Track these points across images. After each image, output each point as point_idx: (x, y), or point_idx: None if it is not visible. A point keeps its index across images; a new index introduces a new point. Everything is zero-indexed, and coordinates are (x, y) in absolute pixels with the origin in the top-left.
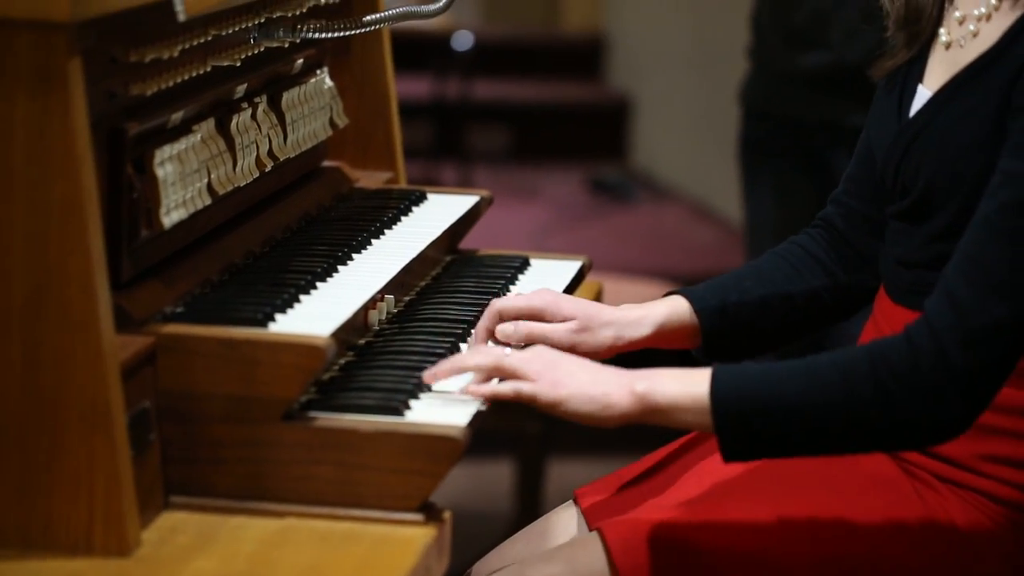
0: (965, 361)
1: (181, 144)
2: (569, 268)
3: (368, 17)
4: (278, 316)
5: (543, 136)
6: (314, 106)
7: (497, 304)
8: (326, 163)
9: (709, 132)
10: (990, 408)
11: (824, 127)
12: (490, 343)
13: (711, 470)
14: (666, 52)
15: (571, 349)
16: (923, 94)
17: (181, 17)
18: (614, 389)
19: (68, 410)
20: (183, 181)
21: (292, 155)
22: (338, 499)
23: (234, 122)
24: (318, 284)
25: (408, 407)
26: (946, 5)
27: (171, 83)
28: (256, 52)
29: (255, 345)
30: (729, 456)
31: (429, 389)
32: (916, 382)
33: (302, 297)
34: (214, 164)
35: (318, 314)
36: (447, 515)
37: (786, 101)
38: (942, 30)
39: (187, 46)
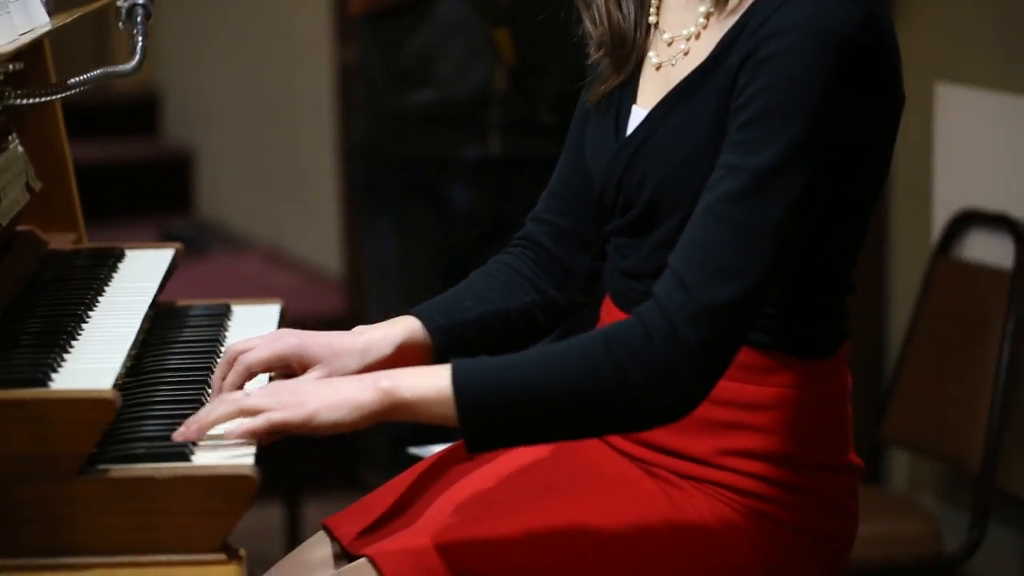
0: (695, 337)
1: None
2: (271, 312)
3: (73, 80)
4: (52, 375)
5: (109, 194)
6: (14, 172)
7: (244, 359)
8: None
9: (274, 178)
10: (725, 404)
11: (438, 162)
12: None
13: (466, 487)
14: (222, 102)
15: None
16: (638, 113)
17: None
18: (358, 391)
19: None
20: None
21: (5, 223)
22: (141, 546)
23: None
24: (72, 343)
25: (193, 452)
26: (652, 29)
27: None
28: None
29: (45, 404)
30: (473, 446)
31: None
32: (651, 359)
33: (64, 356)
34: None
35: (88, 370)
36: (243, 552)
37: (398, 140)
38: (651, 52)
39: None
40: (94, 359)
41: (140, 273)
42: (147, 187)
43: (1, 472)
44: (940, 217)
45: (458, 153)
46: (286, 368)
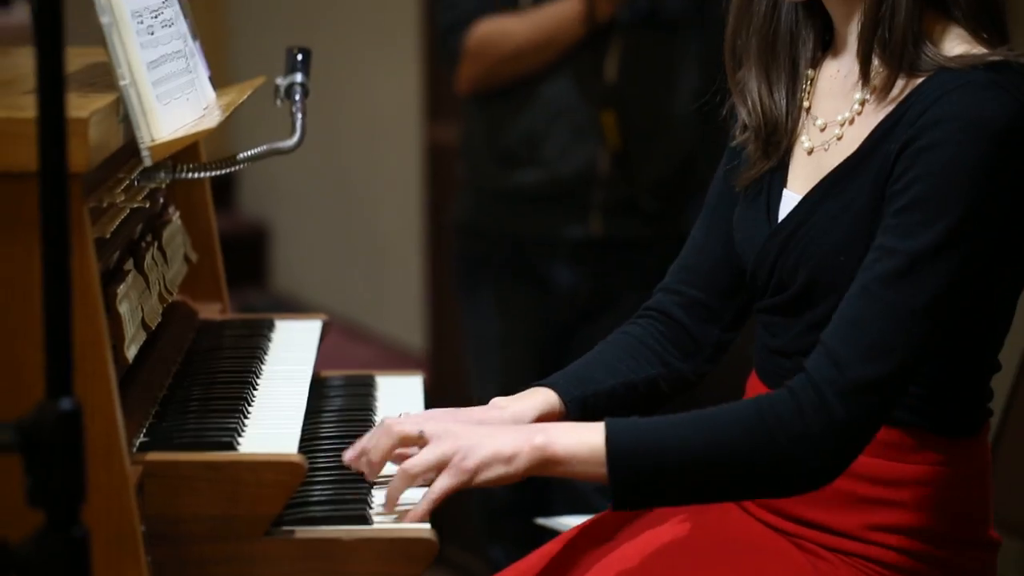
0: (844, 411)
1: (128, 282)
2: (414, 383)
3: (241, 155)
4: (239, 439)
5: None
6: (177, 243)
7: (396, 428)
8: None
9: (352, 253)
10: (871, 480)
11: (539, 241)
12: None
13: (613, 565)
14: (300, 177)
15: None
16: (790, 198)
17: (148, 162)
18: (514, 444)
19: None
20: (132, 317)
21: (174, 293)
22: None
23: (145, 261)
24: (249, 409)
25: (372, 516)
26: (804, 114)
27: (114, 226)
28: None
29: (238, 466)
30: (619, 504)
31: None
32: (801, 430)
33: (245, 421)
34: (143, 300)
35: (270, 435)
36: None
37: (501, 218)
38: (804, 137)
39: (124, 190)
40: (272, 425)
41: (294, 343)
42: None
43: (192, 531)
44: None
45: (559, 233)
46: None
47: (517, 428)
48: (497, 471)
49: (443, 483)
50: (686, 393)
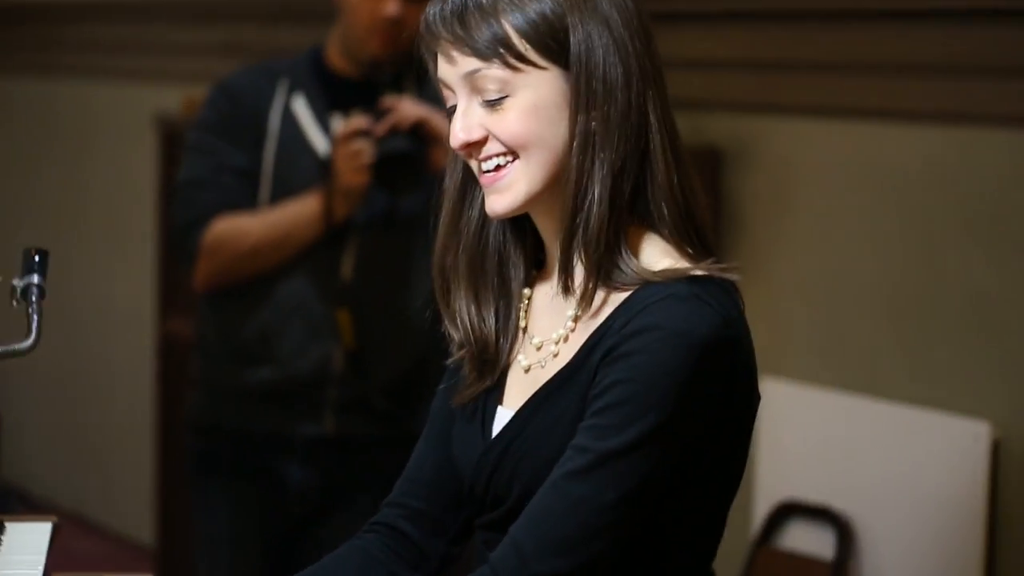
0: None
1: None
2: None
3: None
4: None
5: None
6: None
7: None
8: None
9: (82, 444)
10: None
11: (272, 439)
12: None
13: None
14: (32, 364)
15: None
16: (504, 414)
17: None
18: None
19: None
20: None
21: None
22: None
23: None
24: None
25: None
26: (521, 334)
27: None
28: None
29: None
30: None
31: None
32: None
33: None
34: None
35: None
36: None
37: (235, 414)
38: (520, 356)
39: None
40: None
41: (24, 545)
42: None
43: None
44: (762, 507)
45: (293, 430)
46: None
47: None
48: None
49: None
50: None
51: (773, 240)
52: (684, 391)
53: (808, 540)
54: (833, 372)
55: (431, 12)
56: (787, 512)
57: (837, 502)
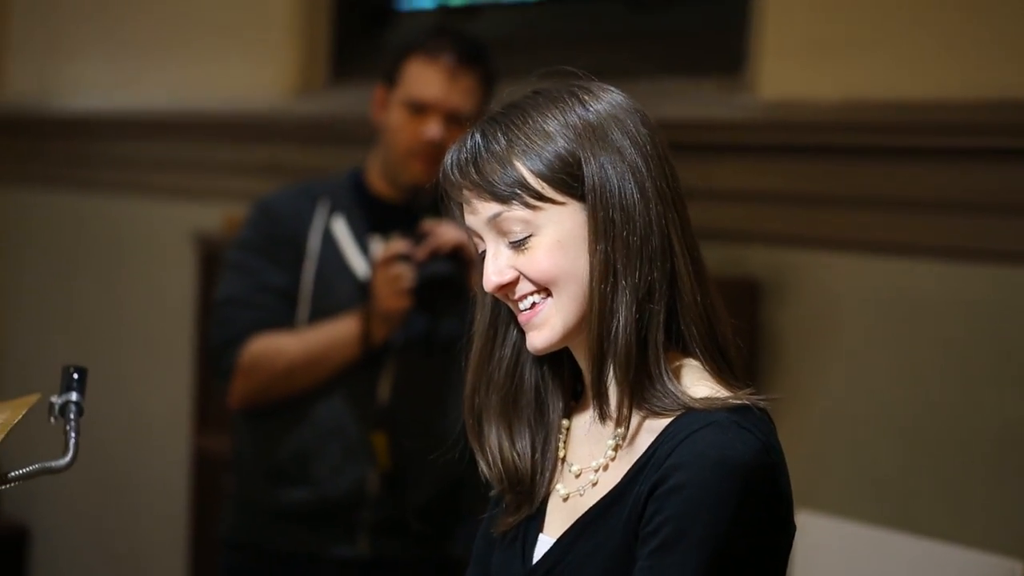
0: None
1: None
2: None
3: (12, 474)
4: None
5: None
6: None
7: None
8: None
9: (116, 561)
10: None
11: (307, 559)
12: None
13: None
14: (66, 482)
15: None
16: (545, 541)
17: None
18: None
19: None
20: None
21: None
22: None
23: None
24: None
25: None
26: (560, 464)
27: None
28: None
29: None
30: None
31: None
32: None
33: None
34: None
35: None
36: None
37: (269, 534)
38: (560, 485)
39: None
40: None
41: None
42: None
43: None
44: None
45: (327, 552)
46: None
47: None
48: None
49: None
50: None
51: (810, 373)
52: (734, 519)
53: None
54: (868, 505)
55: (448, 161)
56: None
57: None
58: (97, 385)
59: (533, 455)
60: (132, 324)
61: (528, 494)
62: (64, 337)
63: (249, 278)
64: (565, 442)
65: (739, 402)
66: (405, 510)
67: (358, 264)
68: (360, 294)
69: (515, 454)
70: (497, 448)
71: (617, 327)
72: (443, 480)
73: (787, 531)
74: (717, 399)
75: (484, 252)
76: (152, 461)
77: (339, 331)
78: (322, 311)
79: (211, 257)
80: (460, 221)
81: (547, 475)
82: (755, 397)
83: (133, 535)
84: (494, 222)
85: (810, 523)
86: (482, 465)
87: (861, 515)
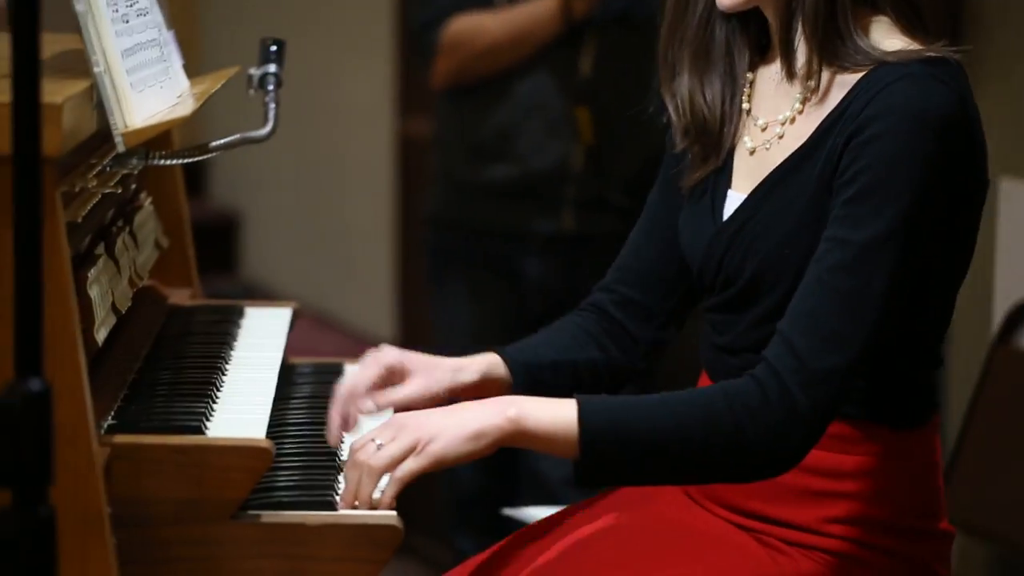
0: (807, 400)
1: (99, 266)
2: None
3: (214, 143)
4: (207, 423)
5: None
6: (148, 229)
7: (353, 380)
8: None
9: (322, 242)
10: (820, 473)
11: (511, 235)
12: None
13: (575, 552)
14: (272, 166)
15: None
16: (735, 197)
17: (121, 148)
18: (486, 419)
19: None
20: (103, 301)
21: (145, 278)
22: None
23: (116, 246)
24: (218, 395)
25: (337, 502)
26: (744, 116)
27: (86, 210)
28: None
29: (205, 450)
30: (583, 479)
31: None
32: (766, 418)
33: (214, 406)
34: (113, 284)
35: (238, 420)
36: None
37: (473, 212)
38: (746, 138)
39: (96, 176)
40: (240, 410)
41: (264, 330)
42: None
43: (159, 514)
44: (1000, 308)
45: (531, 227)
46: (389, 380)
47: (483, 404)
48: (465, 449)
49: (410, 467)
50: (621, 386)
51: (1015, 38)
52: (929, 171)
53: None
54: None
55: None
56: None
57: None
58: (299, 68)
59: (722, 104)
60: (333, 7)
61: (715, 145)
62: (263, 17)
63: None
64: (750, 96)
65: (934, 54)
66: (608, 184)
67: None
68: None
69: (704, 102)
70: (688, 96)
71: None
72: (645, 153)
73: (981, 184)
74: (911, 51)
75: None
76: (357, 145)
77: (539, 7)
78: None
79: None
80: None
81: (733, 126)
82: (950, 49)
83: (340, 218)
84: None
85: (1015, 190)
86: (672, 114)
87: None
